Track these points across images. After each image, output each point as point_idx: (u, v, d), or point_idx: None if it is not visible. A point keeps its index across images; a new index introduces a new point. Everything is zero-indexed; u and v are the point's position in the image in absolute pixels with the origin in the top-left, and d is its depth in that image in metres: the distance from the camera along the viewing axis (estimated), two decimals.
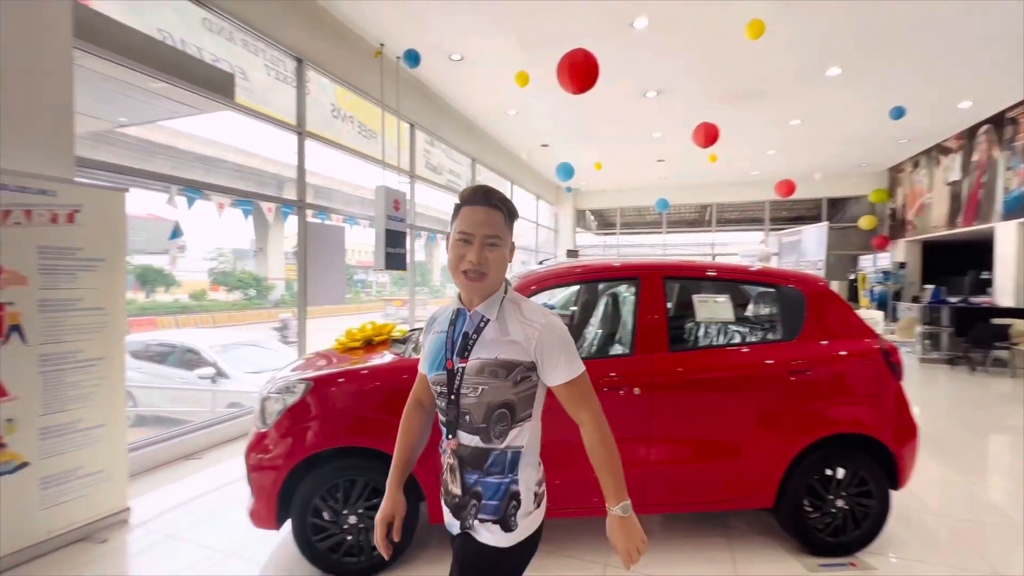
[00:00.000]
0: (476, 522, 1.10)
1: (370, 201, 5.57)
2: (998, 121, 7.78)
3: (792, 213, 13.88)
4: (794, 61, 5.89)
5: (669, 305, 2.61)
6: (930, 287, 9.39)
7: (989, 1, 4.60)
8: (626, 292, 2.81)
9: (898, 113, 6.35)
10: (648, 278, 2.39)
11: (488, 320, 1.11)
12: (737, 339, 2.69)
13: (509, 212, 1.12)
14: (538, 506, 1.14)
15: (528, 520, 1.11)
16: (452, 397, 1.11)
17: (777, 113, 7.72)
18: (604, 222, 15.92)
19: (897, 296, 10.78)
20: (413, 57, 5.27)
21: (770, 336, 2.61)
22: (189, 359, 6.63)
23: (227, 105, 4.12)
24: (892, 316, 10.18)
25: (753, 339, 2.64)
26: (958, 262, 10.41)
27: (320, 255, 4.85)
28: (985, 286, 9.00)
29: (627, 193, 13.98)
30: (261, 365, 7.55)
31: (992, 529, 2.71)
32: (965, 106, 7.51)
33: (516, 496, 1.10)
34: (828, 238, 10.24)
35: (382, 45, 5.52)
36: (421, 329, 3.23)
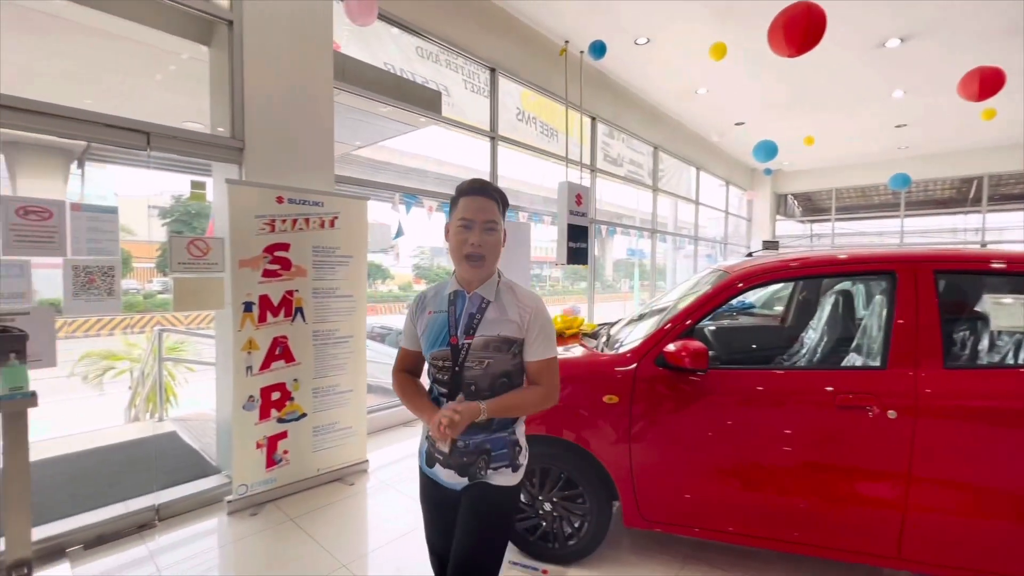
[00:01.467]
0: (489, 471, 1.28)
1: (550, 200, 5.72)
2: None
3: None
4: None
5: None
6: None
7: None
8: (869, 290, 2.29)
9: None
10: (910, 272, 1.88)
11: (489, 302, 1.27)
12: None
13: (502, 201, 1.29)
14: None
15: (525, 458, 1.35)
16: (456, 369, 1.26)
17: None
18: (811, 207, 13.48)
19: None
20: (598, 48, 5.20)
21: None
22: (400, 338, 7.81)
23: (435, 119, 4.68)
24: None
25: None
26: None
27: (509, 250, 5.18)
28: None
29: (847, 170, 11.58)
30: None
31: None
32: None
33: (517, 443, 1.33)
34: None
35: (567, 42, 5.59)
36: (607, 325, 3.19)
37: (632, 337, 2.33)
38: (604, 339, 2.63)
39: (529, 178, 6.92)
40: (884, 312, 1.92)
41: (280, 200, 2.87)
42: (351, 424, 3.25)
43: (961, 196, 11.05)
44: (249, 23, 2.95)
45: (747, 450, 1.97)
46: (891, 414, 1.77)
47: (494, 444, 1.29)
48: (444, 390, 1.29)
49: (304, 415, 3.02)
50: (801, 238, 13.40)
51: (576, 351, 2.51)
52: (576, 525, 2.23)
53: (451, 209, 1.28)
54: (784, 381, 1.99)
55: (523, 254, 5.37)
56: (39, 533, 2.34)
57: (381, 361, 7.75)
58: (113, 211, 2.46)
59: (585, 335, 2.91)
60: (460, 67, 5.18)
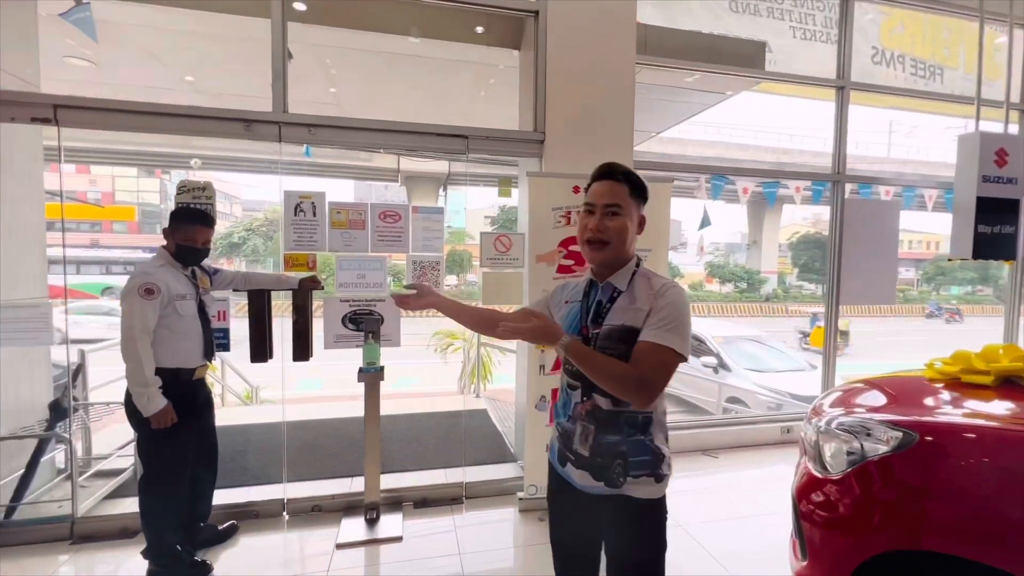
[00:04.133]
0: (629, 479, 1.16)
1: (924, 176, 3.83)
2: None
3: None
4: None
5: None
6: None
7: None
8: None
9: None
10: None
11: (620, 291, 1.20)
12: None
13: (633, 185, 1.22)
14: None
15: (669, 468, 1.22)
16: None
17: None
18: None
19: None
20: None
21: None
22: (695, 346, 6.95)
23: (758, 76, 3.74)
24: None
25: None
26: None
27: (860, 239, 3.73)
28: None
29: None
30: (762, 363, 7.03)
31: None
32: None
33: (659, 451, 1.19)
34: None
35: None
36: None
37: None
38: None
39: (886, 151, 4.97)
40: None
41: (576, 190, 2.66)
42: None
43: None
44: (553, 8, 2.86)
45: None
46: None
47: (631, 448, 1.17)
48: (575, 382, 1.23)
49: None
50: None
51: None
52: None
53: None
54: None
55: (885, 244, 3.79)
56: (385, 482, 2.80)
57: (695, 375, 7.00)
58: (439, 211, 2.72)
59: None
60: (788, 12, 4.05)
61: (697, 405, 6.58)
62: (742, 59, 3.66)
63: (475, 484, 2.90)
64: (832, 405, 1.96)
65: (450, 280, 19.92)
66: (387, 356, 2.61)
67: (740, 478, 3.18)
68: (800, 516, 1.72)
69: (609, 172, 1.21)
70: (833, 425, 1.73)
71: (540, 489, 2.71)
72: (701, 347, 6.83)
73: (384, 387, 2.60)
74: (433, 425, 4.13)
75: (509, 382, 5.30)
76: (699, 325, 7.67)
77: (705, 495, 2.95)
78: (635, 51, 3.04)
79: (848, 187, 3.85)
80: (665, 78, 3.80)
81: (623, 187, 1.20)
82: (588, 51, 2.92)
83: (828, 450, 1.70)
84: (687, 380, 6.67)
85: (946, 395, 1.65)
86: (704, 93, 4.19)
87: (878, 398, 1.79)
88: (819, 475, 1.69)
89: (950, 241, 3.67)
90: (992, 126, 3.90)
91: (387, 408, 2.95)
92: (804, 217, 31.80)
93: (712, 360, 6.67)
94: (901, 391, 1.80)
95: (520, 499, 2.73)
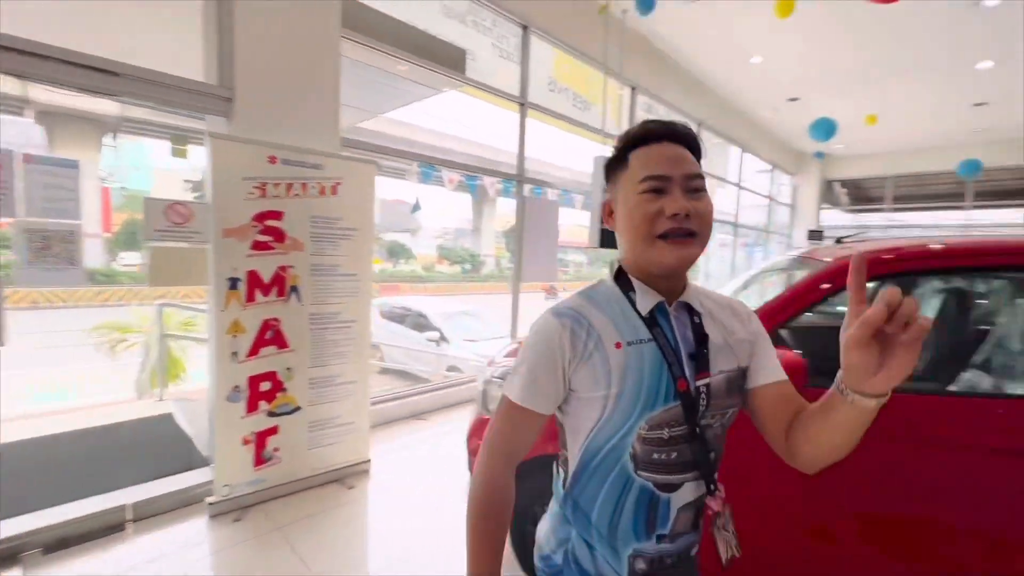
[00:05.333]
0: None
1: (579, 184, 5.19)
2: None
3: None
4: None
5: None
6: None
7: None
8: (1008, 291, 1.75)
9: None
10: None
11: (700, 314, 0.78)
12: None
13: (700, 154, 0.77)
14: None
15: None
16: (696, 431, 0.73)
17: None
18: (860, 195, 12.49)
19: None
20: (647, 2, 4.59)
21: None
22: (419, 322, 7.47)
23: (459, 79, 4.20)
24: None
25: None
26: None
27: (535, 230, 4.71)
28: None
29: (908, 155, 10.57)
30: (476, 333, 8.10)
31: None
32: None
33: None
34: None
35: None
36: None
37: None
38: None
39: (557, 160, 6.40)
40: None
41: (273, 160, 2.46)
42: (352, 419, 2.88)
43: None
44: None
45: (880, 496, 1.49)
46: None
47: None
48: (669, 478, 0.74)
49: (298, 408, 2.66)
50: (844, 229, 12.44)
51: None
52: None
53: (613, 174, 0.80)
54: (928, 410, 1.48)
55: (551, 236, 4.89)
56: (5, 530, 2.04)
57: (399, 344, 7.43)
58: (73, 165, 2.09)
59: None
60: (489, 29, 4.68)
61: (420, 376, 7.11)
62: (448, 60, 4.05)
63: (151, 502, 2.41)
64: (505, 356, 2.45)
65: (131, 258, 15.41)
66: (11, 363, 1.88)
67: (445, 432, 3.63)
68: (470, 453, 2.11)
69: (673, 131, 0.75)
70: (497, 373, 2.17)
71: (236, 487, 2.47)
72: (423, 322, 7.37)
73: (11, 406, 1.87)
74: (91, 444, 3.21)
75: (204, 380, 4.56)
76: (424, 303, 8.25)
77: (411, 451, 3.26)
78: (340, 22, 2.97)
79: (527, 187, 4.78)
80: (379, 60, 3.87)
81: (695, 159, 0.76)
82: (288, 10, 2.70)
83: (491, 394, 2.13)
84: (413, 355, 7.11)
85: None
86: (417, 85, 4.46)
87: None
88: (484, 416, 2.10)
89: (589, 234, 5.03)
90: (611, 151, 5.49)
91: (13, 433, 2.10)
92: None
93: (435, 334, 7.31)
94: None
95: (210, 504, 2.42)
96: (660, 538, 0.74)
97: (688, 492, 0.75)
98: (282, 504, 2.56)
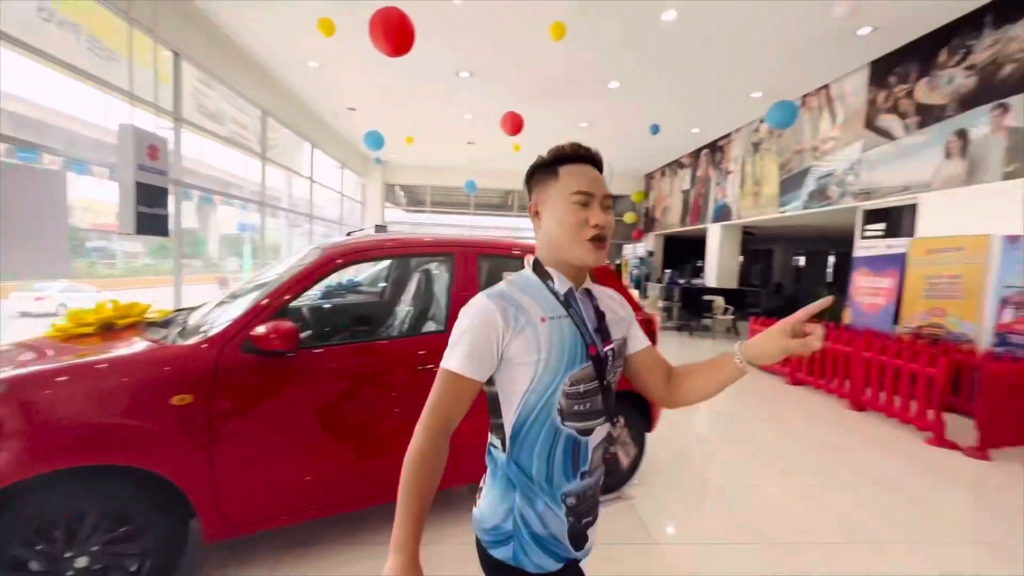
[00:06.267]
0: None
1: (111, 145, 4.25)
2: (713, 147, 10.31)
3: None
4: (585, 70, 6.67)
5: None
6: (668, 272, 12.02)
7: (725, 51, 5.99)
8: (441, 268, 2.79)
9: (655, 130, 7.81)
10: (462, 255, 2.41)
11: (597, 298, 1.04)
12: None
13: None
14: None
15: None
16: (604, 385, 0.97)
17: (570, 114, 8.68)
18: (414, 199, 15.68)
19: (647, 278, 13.51)
20: None
21: None
22: None
23: None
24: (644, 294, 12.74)
25: None
26: (687, 252, 13.58)
27: (23, 209, 3.49)
28: (700, 272, 11.99)
29: (438, 171, 14.00)
30: None
31: (698, 451, 3.65)
32: (695, 132, 9.71)
33: None
34: None
35: None
36: (188, 309, 2.62)
37: (219, 323, 1.99)
38: (179, 328, 2.14)
39: (69, 109, 4.87)
40: (448, 285, 2.39)
41: None
42: None
43: (505, 203, 15.42)
44: None
45: (341, 423, 2.05)
46: None
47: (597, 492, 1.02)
48: (586, 423, 0.94)
49: None
50: (404, 224, 15.39)
51: (135, 346, 1.93)
52: (134, 569, 1.74)
53: (540, 180, 0.97)
54: (368, 353, 2.17)
55: (55, 215, 3.75)
56: None
57: None
58: None
59: (152, 324, 2.30)
60: None
61: None
62: None
63: None
64: None
65: None
66: None
67: None
68: None
69: (592, 157, 0.98)
70: None
71: None
72: None
73: None
74: None
75: None
76: None
77: None
78: None
79: (2, 147, 3.47)
80: None
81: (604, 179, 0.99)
82: None
83: None
84: None
85: (52, 350, 1.93)
86: None
87: (27, 355, 1.84)
88: None
89: (119, 217, 4.17)
90: (147, 121, 4.70)
91: None
92: None
93: None
94: (39, 348, 1.93)
95: None
96: (583, 475, 0.94)
97: (600, 433, 0.96)
98: None
